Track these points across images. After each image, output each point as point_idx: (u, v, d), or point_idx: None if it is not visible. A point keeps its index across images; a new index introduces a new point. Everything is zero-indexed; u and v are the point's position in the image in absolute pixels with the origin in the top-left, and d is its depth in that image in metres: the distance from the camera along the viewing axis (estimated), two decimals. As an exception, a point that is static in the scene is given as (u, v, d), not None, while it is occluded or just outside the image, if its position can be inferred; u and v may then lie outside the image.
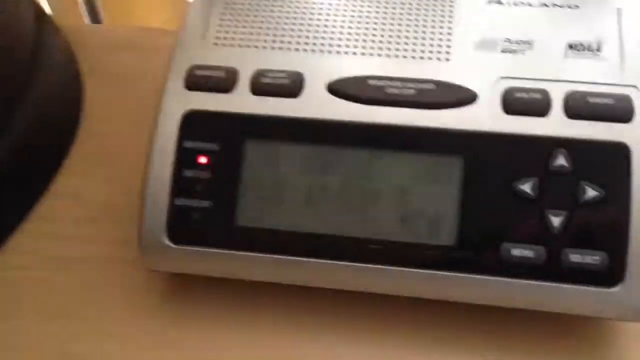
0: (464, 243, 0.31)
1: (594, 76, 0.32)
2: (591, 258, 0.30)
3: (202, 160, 0.33)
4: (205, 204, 0.33)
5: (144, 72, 0.46)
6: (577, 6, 0.35)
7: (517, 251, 0.31)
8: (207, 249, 0.33)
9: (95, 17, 0.62)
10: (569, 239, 0.31)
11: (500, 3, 0.35)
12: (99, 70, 0.49)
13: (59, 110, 0.45)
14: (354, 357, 0.34)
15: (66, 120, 0.45)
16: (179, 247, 0.33)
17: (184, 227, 0.33)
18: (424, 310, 0.35)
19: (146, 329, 0.35)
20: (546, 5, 0.35)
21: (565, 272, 0.30)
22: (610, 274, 0.30)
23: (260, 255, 0.33)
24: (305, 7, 0.36)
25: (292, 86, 0.33)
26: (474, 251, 0.31)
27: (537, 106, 0.32)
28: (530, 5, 0.35)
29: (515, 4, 0.35)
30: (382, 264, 0.32)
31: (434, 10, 0.35)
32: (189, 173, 0.33)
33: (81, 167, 0.43)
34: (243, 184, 0.33)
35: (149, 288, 0.37)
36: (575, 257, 0.30)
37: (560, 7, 0.35)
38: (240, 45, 0.35)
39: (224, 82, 0.34)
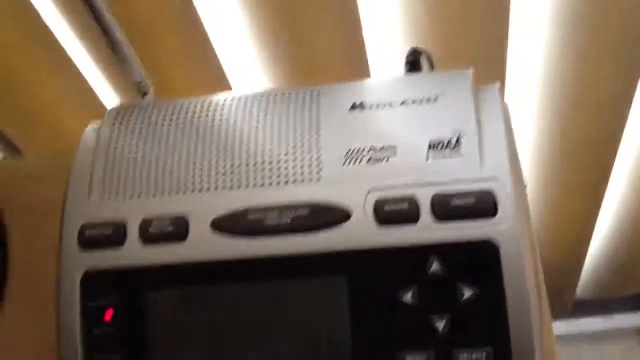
0: (361, 359, 0.33)
1: (456, 174, 0.34)
2: (479, 355, 0.32)
3: (108, 316, 0.35)
4: (117, 358, 0.34)
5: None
6: (434, 99, 0.36)
7: (411, 358, 0.32)
8: None
9: (11, 149, 0.63)
10: (456, 339, 0.32)
11: (362, 108, 0.37)
12: (19, 207, 0.50)
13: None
14: None
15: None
16: None
17: None
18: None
19: None
20: (405, 104, 0.37)
21: None
22: (498, 368, 0.32)
23: None
24: (180, 150, 0.37)
25: (177, 231, 0.35)
26: (370, 365, 0.33)
27: (407, 214, 0.33)
28: (390, 105, 0.37)
29: (377, 107, 0.37)
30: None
31: (302, 130, 0.37)
32: (97, 331, 0.35)
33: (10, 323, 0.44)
34: (150, 334, 0.34)
35: None
36: (464, 355, 0.32)
37: (419, 103, 0.36)
38: (124, 196, 0.36)
39: (114, 237, 0.35)
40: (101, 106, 0.65)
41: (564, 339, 1.14)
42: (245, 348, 0.34)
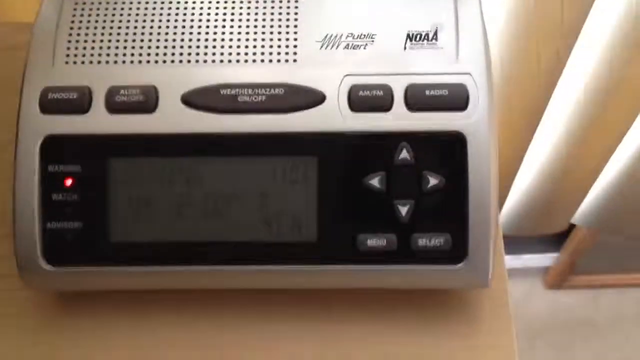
0: (324, 238, 0.34)
1: (432, 67, 0.34)
2: (437, 240, 0.33)
3: (68, 182, 0.34)
4: (77, 224, 0.34)
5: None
6: None
7: (372, 241, 0.33)
8: (83, 268, 0.34)
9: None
10: (417, 225, 0.33)
11: (344, -6, 0.36)
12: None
13: None
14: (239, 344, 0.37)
15: None
16: (56, 268, 0.34)
17: (58, 250, 0.34)
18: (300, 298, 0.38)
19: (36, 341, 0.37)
20: None
21: (415, 255, 0.33)
22: (454, 253, 0.33)
23: (136, 268, 0.34)
24: (152, 19, 0.36)
25: (147, 102, 0.34)
26: (334, 245, 0.34)
27: (381, 102, 0.34)
28: None
29: (359, -7, 0.36)
30: (250, 265, 0.34)
31: (279, 9, 0.36)
32: (56, 197, 0.34)
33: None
34: (111, 202, 0.34)
35: (36, 303, 0.38)
36: (423, 241, 0.33)
37: None
38: (91, 62, 0.35)
39: (79, 103, 0.34)
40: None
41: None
42: (208, 220, 0.34)
